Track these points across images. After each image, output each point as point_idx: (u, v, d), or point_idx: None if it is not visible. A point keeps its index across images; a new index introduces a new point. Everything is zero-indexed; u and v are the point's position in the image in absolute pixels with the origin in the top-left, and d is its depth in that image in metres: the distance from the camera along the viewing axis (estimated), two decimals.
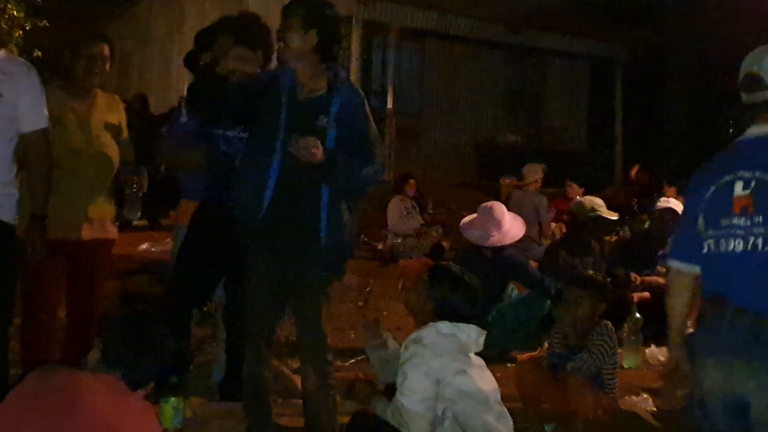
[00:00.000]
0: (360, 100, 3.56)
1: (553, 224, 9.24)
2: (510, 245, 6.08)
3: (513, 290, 6.39)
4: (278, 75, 3.62)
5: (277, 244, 3.58)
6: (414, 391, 3.29)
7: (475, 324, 3.47)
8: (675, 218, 6.87)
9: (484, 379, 3.43)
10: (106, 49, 4.29)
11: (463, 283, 3.53)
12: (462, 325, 3.42)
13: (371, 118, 3.59)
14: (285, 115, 3.51)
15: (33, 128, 3.59)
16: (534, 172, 9.29)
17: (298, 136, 3.35)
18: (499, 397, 3.46)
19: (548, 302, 5.93)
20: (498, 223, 5.95)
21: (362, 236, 11.50)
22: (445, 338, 3.38)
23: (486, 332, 3.50)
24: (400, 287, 7.43)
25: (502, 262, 5.95)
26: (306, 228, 3.51)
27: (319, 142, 3.35)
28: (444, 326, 3.41)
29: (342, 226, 3.56)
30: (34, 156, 3.63)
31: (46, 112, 3.66)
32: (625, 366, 5.34)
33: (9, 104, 3.53)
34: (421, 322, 3.51)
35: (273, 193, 3.51)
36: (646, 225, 7.86)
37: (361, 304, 7.40)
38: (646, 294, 6.27)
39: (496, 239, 5.92)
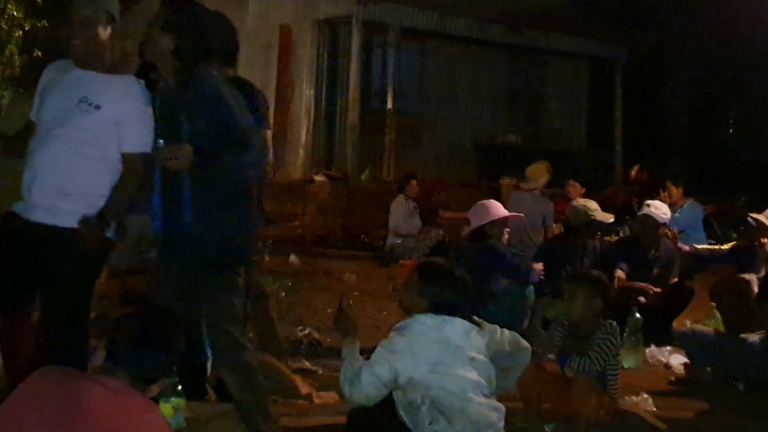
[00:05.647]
0: (210, 89, 3.48)
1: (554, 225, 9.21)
2: (509, 243, 6.25)
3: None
4: (158, 80, 3.66)
5: (172, 250, 3.60)
6: (399, 372, 3.34)
7: (467, 318, 3.52)
8: (655, 224, 6.74)
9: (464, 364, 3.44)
10: None
11: (453, 276, 3.58)
12: (447, 317, 3.47)
13: (235, 103, 3.52)
14: (159, 117, 3.56)
15: (130, 150, 3.56)
16: (540, 175, 9.22)
17: (162, 146, 3.42)
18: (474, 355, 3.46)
19: (531, 289, 6.00)
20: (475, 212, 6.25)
21: (362, 236, 11.51)
22: (430, 329, 3.43)
23: (476, 328, 3.53)
24: (391, 289, 7.58)
25: (483, 252, 6.02)
26: (180, 230, 3.50)
27: (183, 149, 3.35)
28: (428, 318, 3.46)
29: (218, 223, 3.50)
30: (126, 175, 3.59)
31: (148, 136, 3.60)
32: (625, 366, 5.32)
33: (106, 119, 3.50)
34: None
35: (160, 197, 3.55)
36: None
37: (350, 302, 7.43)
38: (642, 299, 6.27)
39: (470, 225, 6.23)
